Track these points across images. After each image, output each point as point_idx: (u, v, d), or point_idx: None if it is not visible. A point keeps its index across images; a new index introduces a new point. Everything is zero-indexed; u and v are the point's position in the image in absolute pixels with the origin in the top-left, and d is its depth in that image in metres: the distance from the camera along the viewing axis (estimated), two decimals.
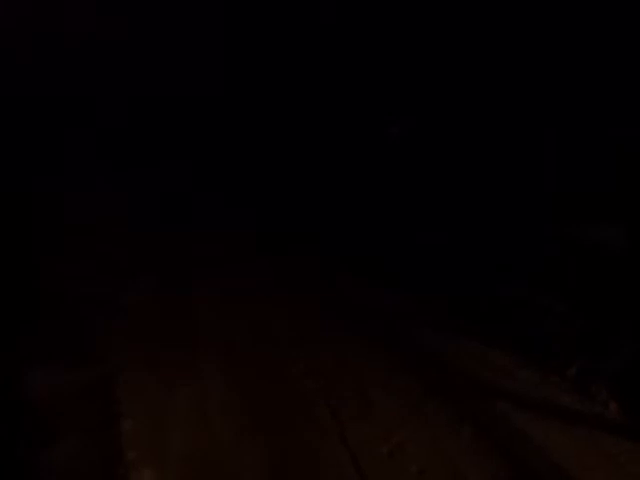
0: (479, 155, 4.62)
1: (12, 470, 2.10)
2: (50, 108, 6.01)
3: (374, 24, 5.36)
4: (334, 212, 5.06)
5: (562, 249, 3.70)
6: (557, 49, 4.14)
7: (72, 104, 6.17)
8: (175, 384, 2.61)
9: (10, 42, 5.96)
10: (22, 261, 3.71)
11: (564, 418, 2.59)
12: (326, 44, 5.78)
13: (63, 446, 2.19)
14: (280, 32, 6.09)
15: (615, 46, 3.83)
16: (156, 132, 6.20)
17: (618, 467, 2.28)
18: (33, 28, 6.13)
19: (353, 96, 5.63)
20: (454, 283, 3.88)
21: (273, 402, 2.57)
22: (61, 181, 5.38)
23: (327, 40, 5.77)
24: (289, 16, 6.05)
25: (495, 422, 2.52)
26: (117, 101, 6.32)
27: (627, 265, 3.34)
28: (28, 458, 2.12)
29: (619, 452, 2.37)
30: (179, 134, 6.28)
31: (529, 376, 2.93)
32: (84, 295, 3.42)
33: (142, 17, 6.31)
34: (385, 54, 5.34)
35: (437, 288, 3.86)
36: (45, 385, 2.50)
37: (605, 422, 2.60)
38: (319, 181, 5.46)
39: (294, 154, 5.82)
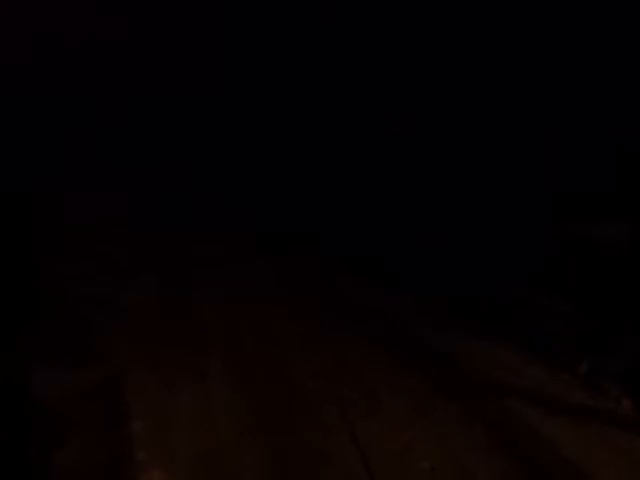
0: (479, 155, 4.62)
1: (23, 471, 2.10)
2: (50, 108, 6.01)
3: (374, 24, 5.36)
4: (334, 212, 5.06)
5: (562, 249, 3.70)
6: (557, 49, 4.14)
7: (72, 104, 6.17)
8: (178, 385, 2.61)
9: (10, 42, 5.96)
10: (22, 261, 3.70)
11: (575, 415, 2.58)
12: (326, 44, 5.78)
13: (72, 447, 2.18)
14: (280, 32, 6.09)
15: (615, 46, 3.83)
16: (156, 132, 6.20)
17: (631, 463, 2.28)
18: (33, 28, 6.13)
19: (353, 96, 5.62)
20: (454, 283, 3.88)
21: (278, 402, 2.57)
22: (61, 181, 5.38)
23: (327, 40, 5.77)
24: (289, 16, 6.05)
25: (505, 419, 2.52)
26: (117, 101, 6.31)
27: (630, 263, 3.34)
28: (38, 458, 2.12)
29: (632, 448, 2.36)
30: (179, 134, 6.28)
31: (538, 373, 2.92)
32: (84, 295, 3.42)
33: (142, 17, 6.31)
34: (385, 54, 5.34)
35: (437, 288, 3.86)
36: (50, 385, 2.50)
37: (617, 419, 2.58)
38: (319, 181, 5.46)
39: (294, 154, 5.82)
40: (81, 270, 3.75)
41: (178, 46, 6.36)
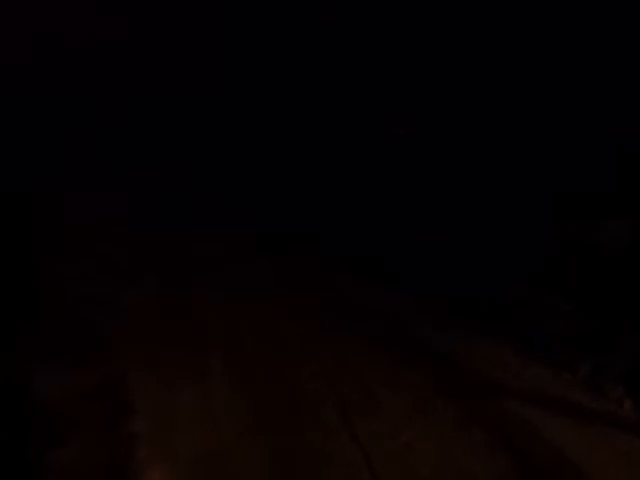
0: (479, 155, 4.62)
1: (23, 470, 2.10)
2: (50, 108, 6.01)
3: (374, 24, 5.36)
4: (334, 212, 5.06)
5: (562, 249, 3.70)
6: (558, 49, 4.14)
7: (72, 104, 6.17)
8: (178, 385, 2.61)
9: (10, 42, 5.96)
10: (22, 261, 3.70)
11: (576, 415, 2.57)
12: (326, 44, 5.78)
13: (72, 446, 2.18)
14: (280, 32, 6.09)
15: (615, 46, 3.83)
16: (156, 132, 6.20)
17: (631, 464, 2.28)
18: (33, 28, 6.13)
19: (353, 96, 5.62)
20: (454, 283, 3.88)
21: (278, 402, 2.57)
22: (61, 181, 5.38)
23: (327, 40, 5.77)
24: (289, 16, 6.05)
25: (505, 419, 2.52)
26: (117, 101, 6.31)
27: (630, 263, 3.34)
28: (37, 458, 2.12)
29: (632, 449, 2.37)
30: (179, 134, 6.28)
31: (538, 374, 2.92)
32: (84, 295, 3.42)
33: (142, 17, 6.31)
34: (385, 54, 5.34)
35: (437, 288, 3.86)
36: (50, 385, 2.49)
37: (618, 419, 2.58)
38: (319, 181, 5.46)
39: (294, 154, 5.82)
40: (81, 270, 3.74)
41: (178, 46, 6.36)
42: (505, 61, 4.48)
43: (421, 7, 5.04)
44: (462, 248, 4.18)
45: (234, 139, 6.19)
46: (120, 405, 2.44)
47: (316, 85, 5.91)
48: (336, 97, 5.74)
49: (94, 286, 3.56)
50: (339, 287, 3.99)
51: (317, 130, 5.80)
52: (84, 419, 2.35)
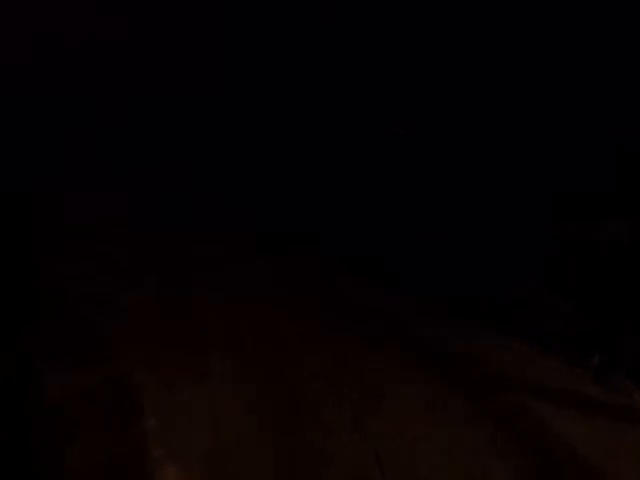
0: (479, 155, 4.62)
1: (33, 470, 2.10)
2: (50, 108, 6.00)
3: (374, 24, 5.36)
4: (334, 212, 5.06)
5: (562, 249, 3.70)
6: (558, 49, 4.14)
7: (72, 104, 6.17)
8: (178, 385, 2.61)
9: (10, 42, 5.96)
10: (22, 261, 3.70)
11: (586, 409, 2.57)
12: (326, 44, 5.78)
13: (78, 446, 2.18)
14: (280, 32, 6.09)
15: (615, 46, 3.83)
16: (156, 132, 6.19)
17: None
18: (33, 28, 6.13)
19: (353, 96, 5.62)
20: (454, 283, 3.89)
21: (279, 402, 2.57)
22: (61, 181, 5.37)
23: (327, 40, 5.77)
24: (289, 16, 6.05)
25: (513, 415, 2.52)
26: (117, 101, 6.31)
27: (630, 263, 3.34)
28: (48, 458, 2.12)
29: None
30: (179, 134, 6.27)
31: (545, 368, 2.92)
32: (84, 295, 3.42)
33: (142, 17, 6.31)
34: (385, 54, 5.34)
35: (437, 288, 3.86)
36: (50, 385, 2.49)
37: (630, 413, 2.58)
38: (319, 181, 5.46)
39: (294, 153, 5.81)
40: (81, 270, 3.74)
41: (178, 46, 6.36)
42: (505, 61, 4.48)
43: (421, 7, 5.03)
44: (462, 248, 4.18)
45: (234, 139, 6.19)
46: (120, 405, 2.45)
47: (316, 85, 5.91)
48: (336, 97, 5.74)
49: (94, 286, 3.56)
50: (339, 287, 3.99)
51: (317, 130, 5.80)
52: (85, 419, 2.35)
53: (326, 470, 2.16)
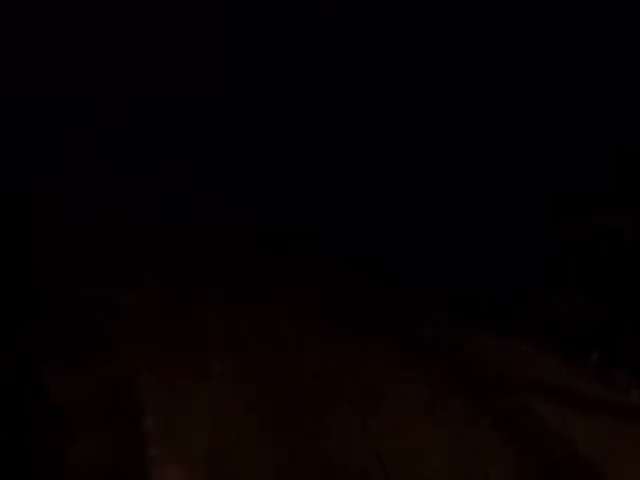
0: (479, 155, 4.62)
1: (33, 470, 2.10)
2: (50, 108, 6.00)
3: (374, 24, 5.36)
4: (334, 212, 5.06)
5: (562, 249, 3.70)
6: (558, 48, 4.14)
7: (72, 104, 6.16)
8: (178, 385, 2.61)
9: (10, 42, 5.96)
10: (22, 261, 3.70)
11: (586, 407, 2.57)
12: (326, 44, 5.78)
13: (79, 446, 2.18)
14: (280, 32, 6.09)
15: (615, 46, 3.83)
16: (156, 132, 6.19)
17: None
18: (33, 28, 6.13)
19: (353, 96, 5.62)
20: (454, 282, 3.89)
21: (278, 402, 2.57)
22: (61, 181, 5.37)
23: (327, 40, 5.77)
24: (289, 16, 6.05)
25: (516, 414, 2.51)
26: (117, 101, 6.31)
27: (630, 262, 3.34)
28: (48, 458, 2.12)
29: None
30: (179, 134, 6.27)
31: (545, 367, 2.91)
32: (84, 295, 3.42)
33: (142, 17, 6.31)
34: (385, 54, 5.34)
35: (437, 287, 3.86)
36: (50, 385, 2.49)
37: (629, 410, 2.57)
38: (319, 181, 5.46)
39: (294, 153, 5.81)
40: (81, 270, 3.75)
41: (178, 46, 6.36)
42: (505, 61, 4.48)
43: (421, 7, 5.03)
44: (462, 248, 4.18)
45: (234, 139, 6.19)
46: (120, 405, 2.45)
47: (316, 85, 5.91)
48: (336, 97, 5.74)
49: (94, 286, 3.56)
50: (339, 287, 3.99)
51: (317, 130, 5.80)
52: (84, 419, 2.35)
53: (326, 470, 2.16)
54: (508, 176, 4.34)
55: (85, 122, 6.20)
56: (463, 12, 4.75)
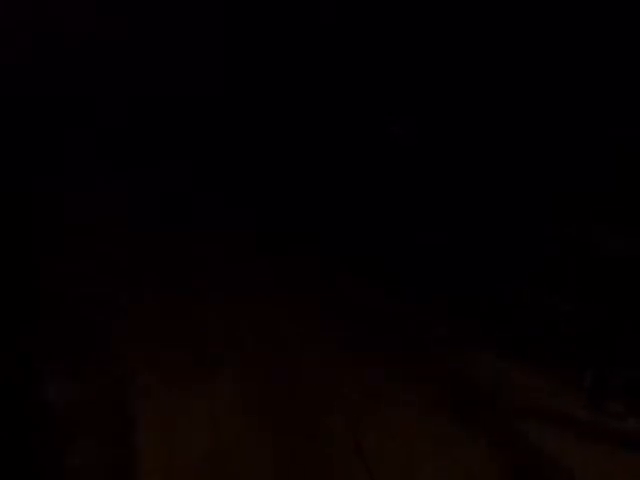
0: (479, 155, 4.62)
1: (33, 470, 2.10)
2: (50, 108, 6.00)
3: (374, 24, 5.36)
4: (334, 212, 5.06)
5: (562, 249, 3.70)
6: (558, 48, 4.14)
7: (72, 104, 6.16)
8: (177, 385, 2.61)
9: (10, 42, 5.96)
10: (22, 261, 3.70)
11: (581, 431, 2.54)
12: (326, 44, 5.78)
13: (82, 446, 2.18)
14: (280, 32, 6.09)
15: (615, 46, 3.83)
16: (156, 132, 6.19)
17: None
18: (33, 28, 6.13)
19: (353, 95, 5.62)
20: (454, 283, 3.88)
21: (278, 402, 2.57)
22: (61, 181, 5.37)
23: (327, 40, 5.77)
24: (289, 16, 6.05)
25: (512, 440, 2.48)
26: (117, 101, 6.31)
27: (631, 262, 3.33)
28: (48, 458, 2.12)
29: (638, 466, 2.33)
30: (179, 134, 6.27)
31: (542, 387, 2.87)
32: (84, 295, 3.42)
33: (142, 17, 6.31)
34: (385, 54, 5.34)
35: (437, 288, 3.86)
36: (50, 386, 2.50)
37: (624, 436, 2.55)
38: (319, 181, 5.46)
39: (294, 153, 5.82)
40: (81, 270, 3.75)
41: (178, 46, 6.36)
42: (505, 61, 4.48)
43: (421, 7, 5.03)
44: (462, 248, 4.18)
45: (234, 139, 6.19)
46: (120, 405, 2.45)
47: (316, 85, 5.91)
48: (336, 97, 5.74)
49: (94, 286, 3.56)
50: (339, 287, 3.99)
51: (317, 130, 5.80)
52: (84, 419, 2.35)
53: (327, 470, 2.16)
54: (508, 176, 4.34)
55: (85, 122, 6.20)
56: (463, 12, 4.75)
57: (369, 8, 5.43)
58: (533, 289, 3.65)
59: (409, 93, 5.27)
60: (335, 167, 5.49)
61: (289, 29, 6.06)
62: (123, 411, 2.40)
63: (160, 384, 2.59)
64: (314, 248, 4.63)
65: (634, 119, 3.70)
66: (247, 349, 3.01)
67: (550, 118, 4.19)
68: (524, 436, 2.50)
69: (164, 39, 6.34)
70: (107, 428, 2.30)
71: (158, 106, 6.31)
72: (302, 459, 2.21)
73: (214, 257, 4.28)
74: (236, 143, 6.17)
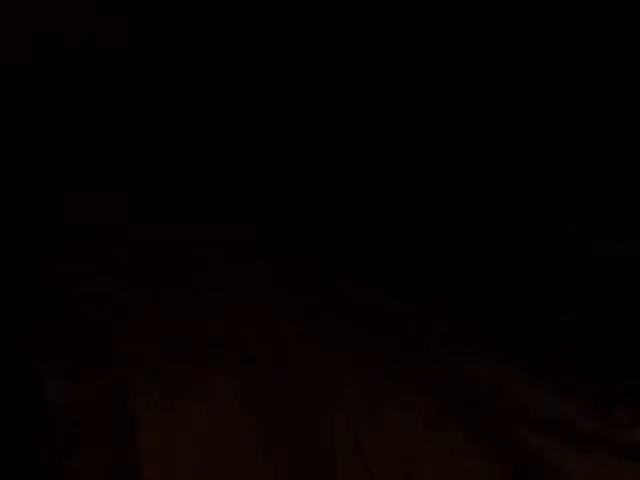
0: (479, 155, 4.62)
1: (33, 471, 2.10)
2: (50, 108, 6.00)
3: (374, 24, 5.36)
4: (334, 212, 5.06)
5: (562, 249, 3.70)
6: (558, 48, 4.14)
7: (72, 104, 6.17)
8: (177, 384, 2.61)
9: (10, 42, 5.96)
10: (22, 261, 3.70)
11: (584, 442, 2.50)
12: (326, 44, 5.78)
13: (82, 446, 2.18)
14: (280, 32, 6.09)
15: (615, 46, 3.83)
16: (156, 132, 6.19)
17: None
18: (33, 28, 6.13)
19: (353, 95, 5.62)
20: (454, 283, 3.88)
21: (277, 402, 2.57)
22: (61, 181, 5.37)
23: (327, 40, 5.77)
24: (289, 16, 6.05)
25: (513, 444, 2.45)
26: (117, 101, 6.31)
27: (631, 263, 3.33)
28: (48, 458, 2.12)
29: None
30: (179, 134, 6.28)
31: (542, 386, 2.84)
32: (84, 295, 3.42)
33: (142, 17, 6.31)
34: (385, 54, 5.34)
35: (437, 288, 3.86)
36: (49, 386, 2.50)
37: (629, 447, 2.52)
38: (319, 181, 5.46)
39: (294, 153, 5.82)
40: (81, 270, 3.75)
41: (178, 46, 6.36)
42: (505, 61, 4.48)
43: (421, 7, 5.03)
44: (462, 248, 4.18)
45: (234, 139, 6.19)
46: (120, 404, 2.45)
47: (316, 85, 5.91)
48: (336, 97, 5.74)
49: (94, 286, 3.56)
50: (339, 287, 3.99)
51: (317, 130, 5.80)
52: (85, 419, 2.35)
53: (327, 470, 2.16)
54: (508, 176, 4.34)
55: (85, 122, 6.20)
56: (463, 12, 4.75)
57: (369, 8, 5.43)
58: (533, 289, 3.64)
59: (409, 93, 5.27)
60: (335, 167, 5.49)
61: (289, 29, 6.06)
62: (123, 411, 2.40)
63: (160, 384, 2.59)
64: (314, 248, 4.63)
65: (634, 119, 3.70)
66: (247, 349, 3.01)
67: (550, 118, 4.19)
68: (524, 437, 2.49)
69: (164, 39, 6.34)
70: (107, 428, 2.30)
71: (158, 106, 6.31)
72: (302, 459, 2.21)
73: (214, 257, 4.28)
74: (236, 143, 6.17)
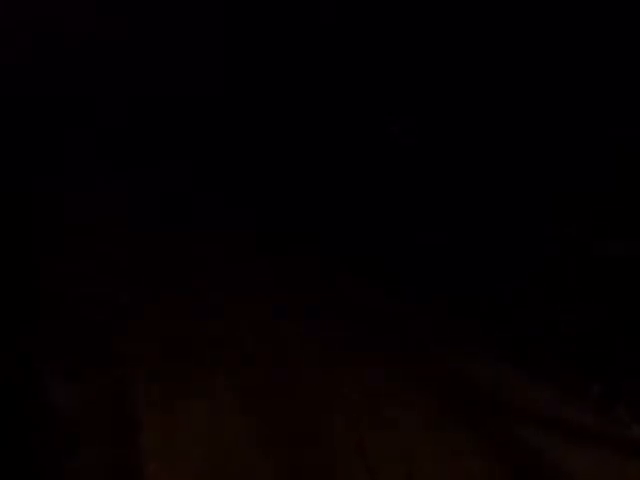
0: (479, 155, 4.62)
1: (33, 471, 2.10)
2: (50, 108, 6.00)
3: (374, 24, 5.36)
4: (334, 212, 5.06)
5: (562, 249, 3.70)
6: (558, 48, 4.14)
7: (72, 104, 6.17)
8: (177, 384, 2.61)
9: (10, 42, 5.96)
10: (22, 261, 3.70)
11: (587, 441, 2.49)
12: (326, 44, 5.78)
13: (82, 446, 2.18)
14: (280, 32, 6.09)
15: (615, 46, 3.83)
16: (156, 132, 6.19)
17: None
18: (33, 28, 6.13)
19: (353, 95, 5.62)
20: (454, 283, 3.88)
21: (277, 402, 2.57)
22: (61, 181, 5.37)
23: (327, 40, 5.77)
24: (289, 16, 6.05)
25: (514, 443, 2.45)
26: (117, 101, 6.31)
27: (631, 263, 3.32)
28: (48, 458, 2.12)
29: None
30: (179, 134, 6.27)
31: (546, 394, 2.83)
32: (84, 295, 3.42)
33: (142, 17, 6.31)
34: (385, 54, 5.34)
35: (437, 288, 3.86)
36: (49, 386, 2.50)
37: (631, 445, 2.51)
38: (319, 181, 5.46)
39: (294, 153, 5.82)
40: (81, 270, 3.75)
41: (178, 46, 6.36)
42: (505, 62, 4.48)
43: (421, 8, 5.04)
44: (462, 248, 4.18)
45: (234, 139, 6.19)
46: (120, 404, 2.45)
47: (316, 85, 5.91)
48: (336, 97, 5.74)
49: (94, 286, 3.56)
50: (339, 287, 3.99)
51: (317, 130, 5.80)
52: (84, 419, 2.35)
53: (327, 470, 2.16)
54: (508, 176, 4.34)
55: (85, 122, 6.20)
56: (463, 13, 4.75)
57: (369, 8, 5.43)
58: (533, 289, 3.64)
59: (409, 93, 5.27)
60: (335, 167, 5.49)
61: (289, 29, 6.06)
62: (123, 411, 2.40)
63: (160, 384, 2.59)
64: (314, 248, 4.63)
65: (634, 119, 3.70)
66: (247, 349, 3.01)
67: (550, 118, 4.19)
68: (524, 437, 2.49)
69: (164, 39, 6.35)
70: (107, 428, 2.30)
71: (158, 106, 6.32)
72: (302, 459, 2.21)
73: (214, 257, 4.28)
74: (236, 143, 6.17)
